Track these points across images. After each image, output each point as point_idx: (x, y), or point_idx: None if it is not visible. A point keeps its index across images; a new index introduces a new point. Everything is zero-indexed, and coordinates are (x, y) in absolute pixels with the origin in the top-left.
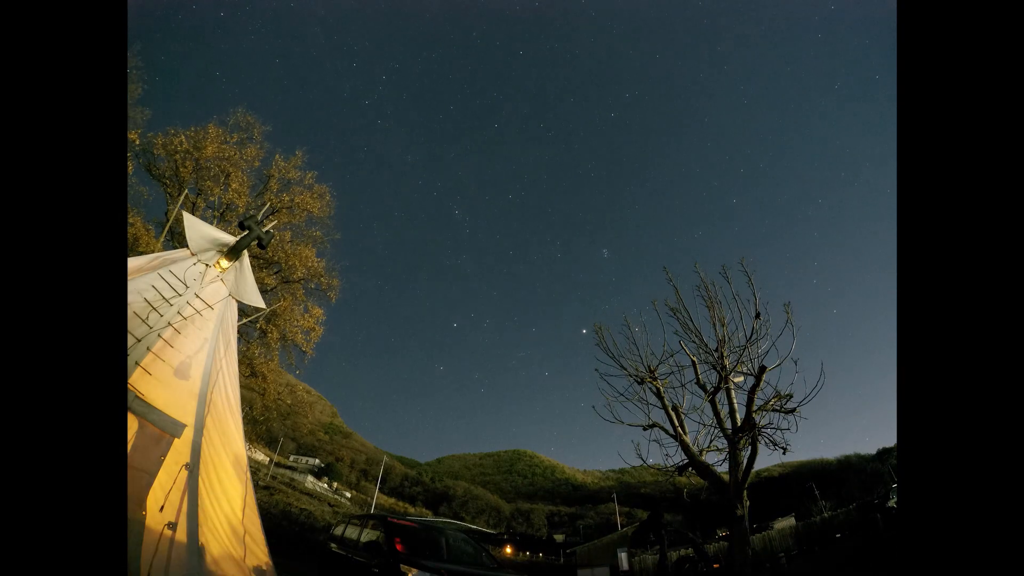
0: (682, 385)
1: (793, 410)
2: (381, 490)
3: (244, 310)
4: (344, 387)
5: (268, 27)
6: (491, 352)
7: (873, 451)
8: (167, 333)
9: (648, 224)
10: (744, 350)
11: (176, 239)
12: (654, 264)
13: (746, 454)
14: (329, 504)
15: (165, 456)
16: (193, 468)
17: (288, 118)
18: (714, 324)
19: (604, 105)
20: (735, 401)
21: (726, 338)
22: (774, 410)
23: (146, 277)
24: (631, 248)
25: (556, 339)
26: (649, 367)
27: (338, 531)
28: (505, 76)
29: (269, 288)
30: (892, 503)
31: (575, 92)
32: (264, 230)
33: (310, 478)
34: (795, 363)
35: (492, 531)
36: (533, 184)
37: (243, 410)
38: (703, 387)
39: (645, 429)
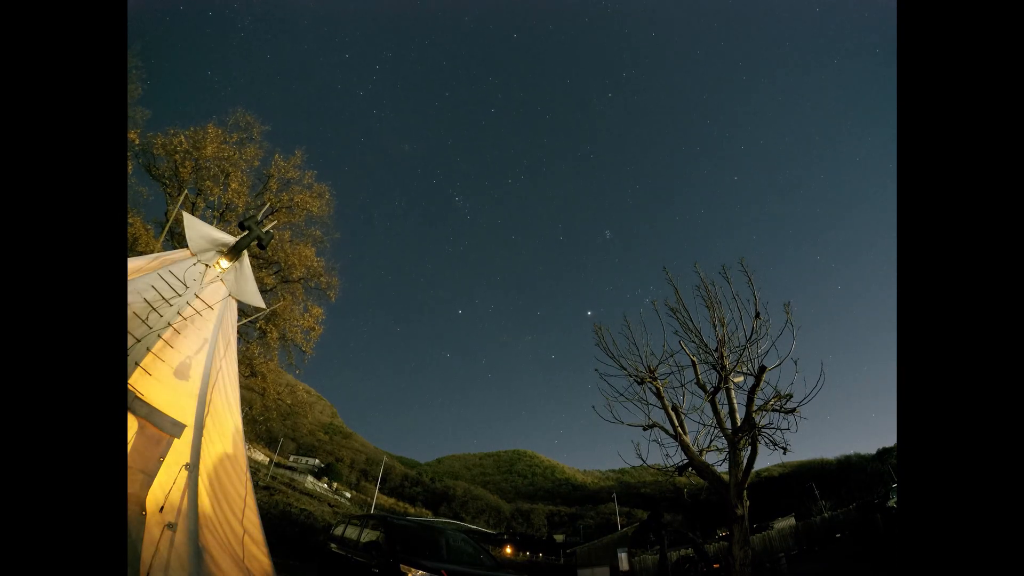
0: (682, 385)
1: (793, 410)
2: (381, 490)
3: (244, 310)
4: (350, 377)
5: (257, 23)
6: (497, 337)
7: (873, 451)
8: (167, 333)
9: (649, 204)
10: (744, 350)
11: (176, 239)
12: (656, 244)
13: (746, 454)
14: (329, 504)
15: (165, 457)
16: (193, 468)
17: (282, 113)
18: (714, 324)
19: (600, 86)
20: (735, 401)
21: (726, 338)
22: (774, 410)
23: (146, 277)
24: (633, 229)
25: (561, 322)
26: (649, 367)
27: (338, 531)
28: (500, 60)
29: (269, 288)
30: (892, 503)
31: (571, 74)
32: (264, 230)
33: (310, 478)
34: (795, 363)
35: (492, 531)
36: (532, 168)
37: (243, 410)
38: (703, 387)
39: (645, 429)
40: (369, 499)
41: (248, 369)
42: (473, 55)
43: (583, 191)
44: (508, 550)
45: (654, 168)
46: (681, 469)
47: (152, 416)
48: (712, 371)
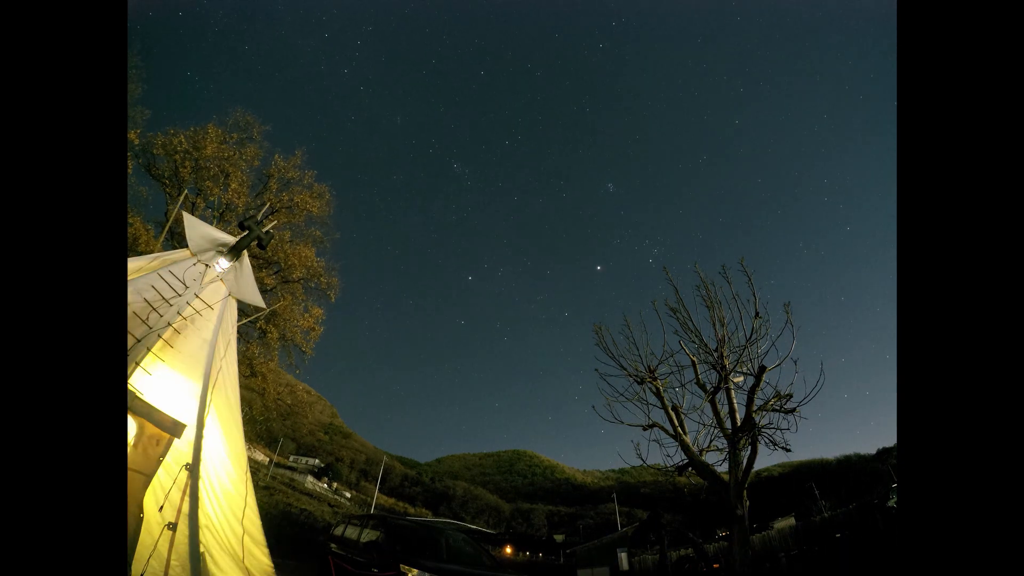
0: (682, 385)
1: (793, 410)
2: (381, 490)
3: (244, 310)
4: (353, 372)
5: (231, 16)
6: (509, 300)
7: (873, 451)
8: (167, 333)
9: (650, 152)
10: (744, 350)
11: (176, 239)
12: (661, 194)
13: (746, 454)
14: (329, 504)
15: (164, 456)
16: (193, 468)
17: (268, 103)
18: (714, 324)
19: (591, 37)
20: (735, 401)
21: (726, 338)
22: (774, 410)
23: (146, 277)
24: (636, 179)
25: (571, 278)
26: (649, 367)
27: (338, 531)
28: (484, 21)
29: (269, 288)
30: (892, 503)
31: (559, 28)
32: (264, 230)
33: (310, 478)
34: (795, 363)
35: (492, 531)
36: (528, 127)
37: (243, 410)
38: (703, 387)
39: (645, 429)
40: (369, 499)
41: (248, 369)
42: (456, 18)
43: (582, 145)
44: (508, 550)
45: (651, 116)
46: (681, 469)
47: (152, 416)
48: (712, 371)
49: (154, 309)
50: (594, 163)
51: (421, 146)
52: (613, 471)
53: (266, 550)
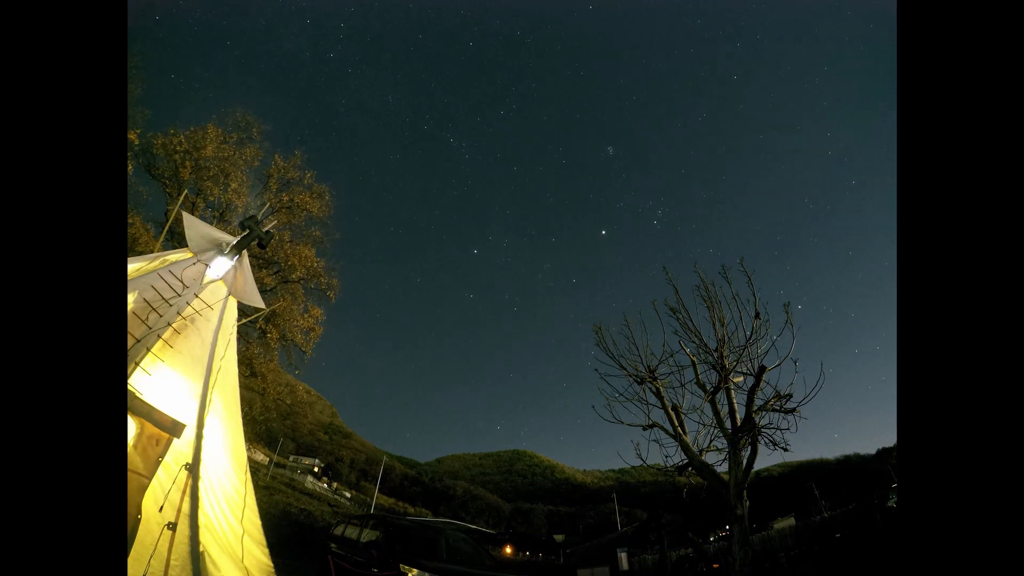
0: (682, 385)
1: (793, 410)
2: (381, 490)
3: (244, 310)
4: (364, 356)
5: (208, 13)
6: (516, 270)
7: (873, 451)
8: (167, 333)
9: (649, 113)
10: (744, 350)
11: (176, 239)
12: (661, 155)
13: (746, 454)
14: (329, 504)
15: (163, 457)
16: (193, 468)
17: (255, 98)
18: (714, 324)
19: None
20: (735, 401)
21: (726, 338)
22: (774, 410)
23: (146, 277)
24: (636, 140)
25: (577, 245)
26: (649, 367)
27: (338, 531)
28: None
29: (269, 288)
30: (892, 503)
31: None
32: (264, 230)
33: (310, 478)
34: (795, 363)
35: (492, 531)
36: (523, 95)
37: (243, 410)
38: (703, 387)
39: (645, 429)
40: (369, 499)
41: (248, 369)
42: None
43: (578, 110)
44: (508, 550)
45: (647, 76)
46: (681, 469)
47: (152, 416)
48: (712, 371)
49: (154, 309)
50: (592, 127)
51: (415, 123)
52: (613, 471)
53: (266, 550)
